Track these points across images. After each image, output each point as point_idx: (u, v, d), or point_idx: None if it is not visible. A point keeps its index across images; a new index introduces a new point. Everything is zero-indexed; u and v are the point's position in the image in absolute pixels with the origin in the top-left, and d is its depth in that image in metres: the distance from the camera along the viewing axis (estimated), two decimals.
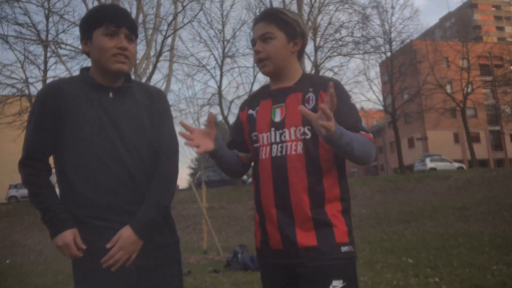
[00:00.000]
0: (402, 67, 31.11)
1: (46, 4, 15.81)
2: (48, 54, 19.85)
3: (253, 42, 1.75)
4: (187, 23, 14.14)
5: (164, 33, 11.76)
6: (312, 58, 23.56)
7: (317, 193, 1.63)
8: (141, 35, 13.34)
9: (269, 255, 1.70)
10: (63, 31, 18.46)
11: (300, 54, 1.79)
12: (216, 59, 24.03)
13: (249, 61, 23.75)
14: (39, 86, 19.60)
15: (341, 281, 1.57)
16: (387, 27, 28.30)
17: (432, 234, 9.79)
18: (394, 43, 28.57)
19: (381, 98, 29.98)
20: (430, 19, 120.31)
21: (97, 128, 1.62)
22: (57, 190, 1.70)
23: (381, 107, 31.12)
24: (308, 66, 22.77)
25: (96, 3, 12.37)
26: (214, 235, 9.13)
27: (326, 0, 22.19)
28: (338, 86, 1.69)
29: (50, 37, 17.97)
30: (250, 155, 1.82)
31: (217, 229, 12.20)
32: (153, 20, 12.54)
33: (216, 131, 1.71)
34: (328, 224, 1.62)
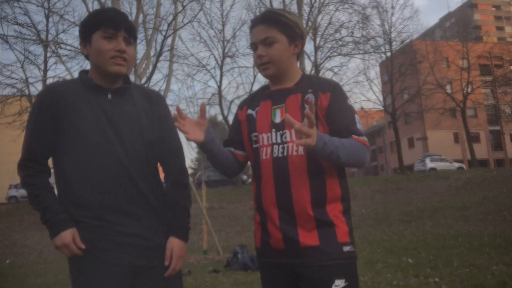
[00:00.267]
0: (402, 67, 31.10)
1: (46, 4, 15.82)
2: (48, 54, 19.86)
3: (254, 46, 1.73)
4: (187, 23, 14.17)
5: (164, 33, 11.77)
6: (312, 58, 23.58)
7: (318, 194, 1.63)
8: (141, 35, 13.36)
9: (270, 255, 1.70)
10: (63, 31, 18.52)
11: (299, 55, 1.80)
12: (216, 59, 24.03)
13: (249, 61, 23.78)
14: (39, 86, 19.61)
15: (343, 280, 1.58)
16: (387, 27, 28.31)
17: (432, 234, 9.79)
18: (394, 43, 28.58)
19: (381, 98, 29.98)
20: (430, 19, 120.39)
21: (96, 129, 1.64)
22: (56, 191, 1.71)
23: (381, 107, 31.12)
24: (308, 66, 22.77)
25: (96, 3, 12.38)
26: (214, 235, 9.13)
27: (326, 0, 22.18)
28: (336, 87, 1.71)
29: (50, 37, 17.98)
30: (245, 153, 1.82)
31: (217, 229, 12.19)
32: (153, 20, 12.55)
33: (208, 124, 1.68)
34: (329, 224, 1.62)
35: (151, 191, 1.71)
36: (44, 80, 18.80)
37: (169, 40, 12.74)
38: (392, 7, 41.15)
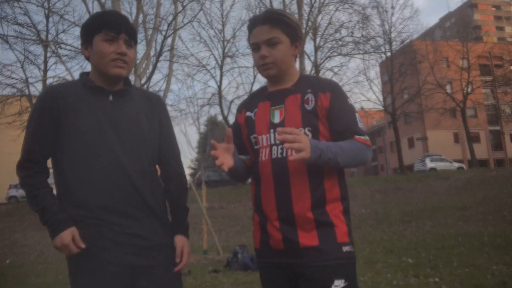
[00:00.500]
0: (402, 67, 31.10)
1: (46, 4, 15.83)
2: (48, 54, 19.86)
3: (256, 46, 1.72)
4: (187, 23, 14.18)
5: (164, 33, 11.78)
6: (312, 58, 23.58)
7: (318, 194, 1.64)
8: (141, 35, 13.37)
9: (270, 255, 1.70)
10: (63, 31, 18.52)
11: (297, 56, 1.81)
12: (216, 59, 24.02)
13: (249, 61, 23.78)
14: (39, 86, 19.62)
15: (343, 280, 1.58)
16: (387, 27, 28.34)
17: (432, 234, 9.79)
18: (394, 43, 28.61)
19: (381, 98, 29.99)
20: (430, 19, 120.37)
21: (96, 131, 1.65)
22: (55, 191, 1.71)
23: (381, 107, 31.13)
24: (308, 66, 22.79)
25: (96, 3, 12.38)
26: (214, 235, 9.13)
27: (326, 0, 22.19)
28: (335, 87, 1.72)
29: (50, 37, 17.99)
30: (249, 157, 1.82)
31: (217, 229, 12.19)
32: (153, 20, 12.55)
33: (234, 147, 1.71)
34: (329, 224, 1.63)
35: (151, 192, 1.72)
36: (44, 80, 18.80)
37: (169, 40, 12.75)
38: (392, 7, 41.21)
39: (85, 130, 1.64)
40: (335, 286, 1.56)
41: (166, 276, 1.72)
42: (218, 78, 23.87)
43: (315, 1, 21.61)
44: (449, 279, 4.90)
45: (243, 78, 44.99)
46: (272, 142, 1.69)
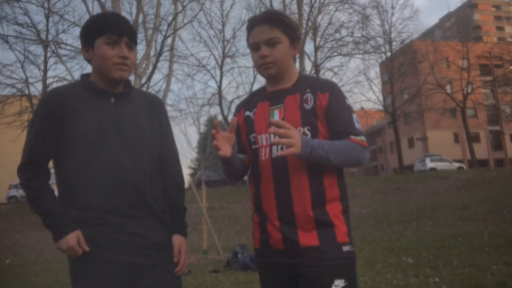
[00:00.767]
0: (402, 67, 31.11)
1: (46, 4, 15.83)
2: (48, 54, 19.88)
3: (255, 46, 1.72)
4: (187, 23, 14.18)
5: (164, 33, 11.78)
6: (312, 58, 23.59)
7: (318, 193, 1.64)
8: (141, 35, 13.36)
9: (270, 255, 1.70)
10: (63, 31, 18.51)
11: (295, 56, 1.82)
12: (216, 59, 24.07)
13: (249, 61, 23.77)
14: (39, 86, 19.63)
15: (343, 280, 1.58)
16: (387, 27, 28.37)
17: (432, 234, 9.79)
18: (394, 43, 28.65)
19: (381, 98, 30.01)
20: (430, 19, 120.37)
21: (98, 132, 1.66)
22: (56, 192, 1.72)
23: (381, 107, 31.14)
24: (308, 66, 22.80)
25: (96, 3, 12.38)
26: (214, 235, 9.13)
27: (326, 0, 22.19)
28: (334, 87, 1.73)
29: (50, 37, 18.00)
30: (247, 156, 1.82)
31: (217, 229, 12.20)
32: (153, 20, 12.55)
33: (235, 138, 1.70)
34: (329, 224, 1.63)
35: (151, 193, 1.73)
36: (44, 80, 18.81)
37: (169, 40, 12.75)
38: (392, 7, 41.23)
39: (87, 132, 1.65)
40: (335, 286, 1.57)
41: (166, 275, 1.73)
42: (218, 78, 23.94)
43: (315, 1, 21.64)
44: (449, 279, 4.90)
45: (243, 78, 45.01)
46: (272, 141, 1.69)
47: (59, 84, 18.93)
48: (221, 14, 23.67)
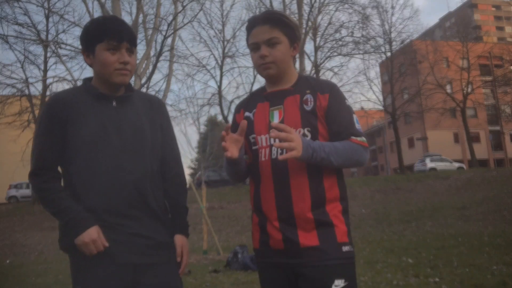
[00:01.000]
0: (402, 67, 31.12)
1: (46, 4, 15.83)
2: (48, 54, 19.88)
3: (255, 46, 1.72)
4: (187, 23, 14.18)
5: (164, 33, 11.78)
6: (312, 58, 23.59)
7: (318, 194, 1.64)
8: (141, 35, 13.36)
9: (270, 255, 1.70)
10: (63, 31, 18.50)
11: (295, 57, 1.82)
12: (216, 59, 24.11)
13: (249, 61, 23.78)
14: (39, 86, 19.65)
15: (343, 280, 1.58)
16: (387, 27, 28.40)
17: (432, 234, 9.79)
18: (394, 43, 28.67)
19: (381, 98, 30.02)
20: (430, 19, 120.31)
21: (100, 135, 1.69)
22: None
23: (381, 107, 31.14)
24: (308, 66, 22.80)
25: (96, 3, 12.38)
26: (214, 235, 9.13)
27: (326, 0, 22.19)
28: (334, 88, 1.73)
29: (50, 37, 18.00)
30: (248, 157, 1.83)
31: (217, 229, 12.20)
32: (153, 20, 12.55)
33: (243, 141, 1.71)
34: (329, 224, 1.63)
35: (152, 194, 1.76)
36: (44, 80, 18.81)
37: (169, 40, 12.75)
38: (392, 7, 41.29)
39: (89, 135, 1.68)
40: (336, 286, 1.57)
41: (167, 274, 1.76)
42: (218, 78, 23.98)
43: (315, 1, 21.65)
44: (449, 279, 4.90)
45: (243, 78, 45.00)
46: (272, 142, 1.69)
47: (59, 84, 18.95)
48: (221, 14, 23.74)
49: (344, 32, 23.74)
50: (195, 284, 5.78)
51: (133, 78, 11.12)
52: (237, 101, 23.10)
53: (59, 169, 1.76)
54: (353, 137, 1.66)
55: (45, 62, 20.08)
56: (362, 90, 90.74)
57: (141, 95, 1.90)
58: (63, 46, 14.75)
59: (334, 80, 21.29)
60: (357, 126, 1.69)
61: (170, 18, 12.43)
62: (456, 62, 33.15)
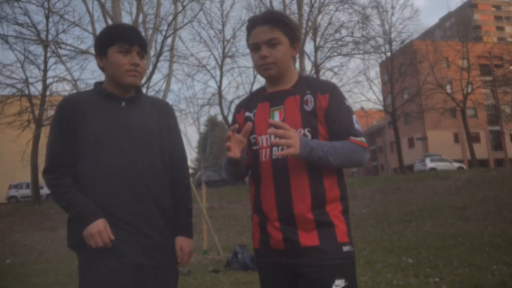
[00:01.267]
0: (402, 67, 31.11)
1: (46, 4, 15.82)
2: (48, 54, 19.85)
3: (256, 46, 1.73)
4: (187, 23, 14.14)
5: (164, 33, 11.76)
6: (312, 58, 23.58)
7: (318, 194, 1.64)
8: None
9: (270, 255, 1.70)
10: (63, 31, 18.40)
11: (295, 57, 1.83)
12: (216, 59, 24.04)
13: (249, 61, 23.76)
14: (39, 86, 19.63)
15: (343, 280, 1.59)
16: (387, 27, 28.39)
17: (432, 234, 9.80)
18: (394, 43, 28.65)
19: (381, 98, 30.01)
20: (430, 19, 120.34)
21: (108, 134, 1.77)
22: None
23: (381, 107, 31.14)
24: (308, 66, 22.79)
25: (96, 3, 12.39)
26: (214, 235, 9.13)
27: (326, 0, 22.18)
28: (334, 88, 1.73)
29: (50, 37, 17.98)
30: (249, 157, 1.83)
31: (217, 229, 12.20)
32: (153, 20, 12.54)
33: (246, 143, 1.71)
34: (329, 224, 1.63)
35: (160, 193, 1.82)
36: (44, 80, 18.80)
37: (169, 40, 12.72)
38: (392, 7, 41.33)
39: (97, 134, 1.76)
40: (336, 286, 1.57)
41: (165, 277, 1.82)
42: (218, 78, 23.91)
43: (315, 1, 21.61)
44: (449, 279, 4.90)
45: (243, 78, 45.03)
46: (271, 142, 1.69)
47: (59, 84, 18.96)
48: (221, 14, 23.66)
49: (344, 32, 23.73)
50: (195, 284, 5.78)
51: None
52: (237, 101, 23.00)
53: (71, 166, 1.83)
54: (352, 137, 1.66)
55: (45, 62, 20.06)
56: (362, 90, 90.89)
57: (150, 99, 1.98)
58: (63, 46, 14.73)
59: (334, 80, 21.33)
60: (357, 126, 1.69)
61: (170, 18, 12.41)
62: (456, 62, 33.14)
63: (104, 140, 1.76)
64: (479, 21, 62.35)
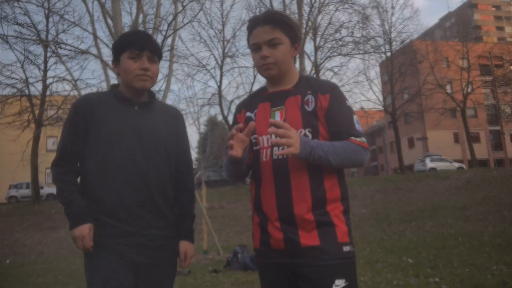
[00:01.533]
0: (402, 67, 31.11)
1: (46, 4, 15.80)
2: (48, 54, 19.84)
3: (256, 46, 1.72)
4: (187, 23, 14.11)
5: (164, 33, 11.75)
6: (312, 58, 23.58)
7: (319, 194, 1.64)
8: None
9: (270, 255, 1.70)
10: (63, 31, 18.37)
11: (296, 57, 1.83)
12: (216, 59, 24.04)
13: (249, 61, 23.76)
14: (39, 86, 19.62)
15: (344, 280, 1.59)
16: (387, 27, 28.40)
17: (432, 234, 9.80)
18: (394, 43, 28.66)
19: (381, 98, 30.00)
20: (430, 19, 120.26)
21: (120, 136, 1.84)
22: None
23: (381, 107, 31.13)
24: (308, 66, 22.78)
25: (96, 3, 12.38)
26: (214, 235, 9.13)
27: (326, 0, 22.17)
28: (335, 88, 1.73)
29: (50, 37, 17.96)
30: (249, 157, 1.82)
31: (217, 229, 12.20)
32: (153, 20, 12.53)
33: (248, 142, 1.70)
34: (330, 224, 1.63)
35: (163, 195, 1.88)
36: (44, 80, 18.80)
37: (169, 40, 12.71)
38: (392, 7, 41.40)
39: (108, 134, 1.83)
40: (336, 286, 1.57)
41: (163, 276, 1.88)
42: (218, 78, 23.91)
43: (315, 1, 21.60)
44: (449, 279, 4.90)
45: (243, 78, 44.94)
46: (271, 141, 1.69)
47: (59, 84, 18.95)
48: (221, 14, 23.67)
49: (344, 32, 23.71)
50: (195, 284, 5.78)
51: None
52: (237, 101, 23.11)
53: (78, 164, 1.90)
54: (353, 138, 1.66)
55: (45, 62, 20.05)
56: (362, 90, 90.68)
57: (163, 105, 2.07)
58: (63, 46, 14.71)
59: (334, 80, 21.29)
60: (357, 126, 1.69)
61: (170, 18, 12.40)
62: (456, 62, 33.15)
63: (114, 141, 1.82)
64: (479, 21, 62.35)
